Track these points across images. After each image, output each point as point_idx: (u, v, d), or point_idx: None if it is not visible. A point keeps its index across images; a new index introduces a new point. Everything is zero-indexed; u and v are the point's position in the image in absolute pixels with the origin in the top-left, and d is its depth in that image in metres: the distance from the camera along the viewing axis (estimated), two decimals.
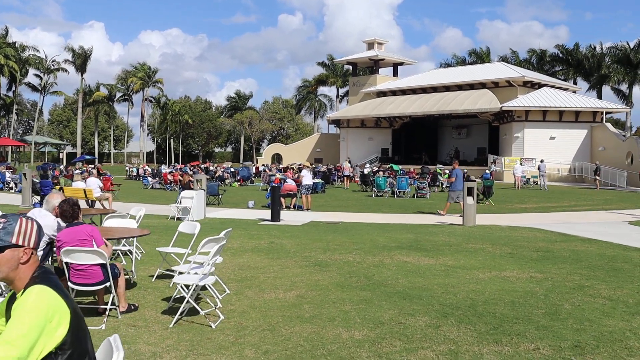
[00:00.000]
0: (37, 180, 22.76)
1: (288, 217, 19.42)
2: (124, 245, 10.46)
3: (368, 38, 63.65)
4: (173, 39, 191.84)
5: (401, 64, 64.97)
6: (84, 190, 20.68)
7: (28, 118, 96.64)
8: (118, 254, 10.71)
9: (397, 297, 8.09)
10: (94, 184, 20.85)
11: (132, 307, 7.21)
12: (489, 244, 13.38)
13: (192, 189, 20.48)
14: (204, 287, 7.20)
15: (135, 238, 9.36)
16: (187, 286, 6.80)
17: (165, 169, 41.87)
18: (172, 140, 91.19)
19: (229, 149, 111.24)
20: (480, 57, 73.63)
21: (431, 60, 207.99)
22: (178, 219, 18.53)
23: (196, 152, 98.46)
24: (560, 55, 69.76)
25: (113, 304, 6.87)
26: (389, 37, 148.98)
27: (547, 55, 71.53)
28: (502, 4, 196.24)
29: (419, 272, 9.87)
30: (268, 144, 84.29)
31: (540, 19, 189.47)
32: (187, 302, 6.73)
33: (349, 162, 47.27)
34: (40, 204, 22.18)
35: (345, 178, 39.80)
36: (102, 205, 21.21)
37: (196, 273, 7.02)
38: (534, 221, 18.79)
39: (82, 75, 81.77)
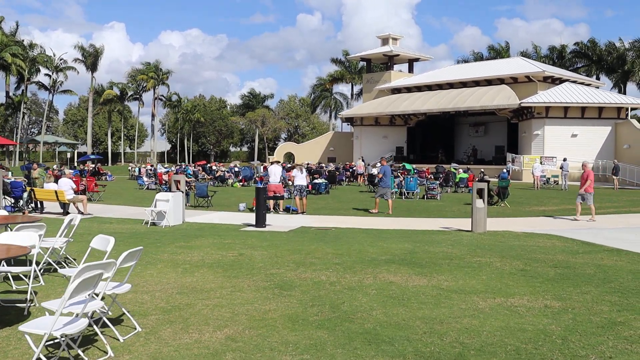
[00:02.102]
0: (7, 181, 20.95)
1: (278, 221, 17.42)
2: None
3: (382, 34, 61.27)
4: (193, 39, 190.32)
5: (417, 59, 62.59)
6: (56, 192, 18.86)
7: (43, 118, 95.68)
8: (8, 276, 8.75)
9: (360, 340, 6.01)
10: (65, 185, 18.99)
11: None
12: (497, 256, 11.23)
13: (178, 190, 18.52)
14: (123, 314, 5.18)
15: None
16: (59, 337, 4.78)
17: (160, 168, 39.91)
18: (186, 139, 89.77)
19: (244, 148, 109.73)
20: (499, 53, 71.09)
21: (449, 59, 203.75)
22: (153, 224, 16.64)
23: (210, 151, 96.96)
24: (581, 52, 67.23)
25: None
26: (408, 35, 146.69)
27: (567, 51, 68.99)
28: (521, 2, 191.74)
29: (403, 299, 7.78)
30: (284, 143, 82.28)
31: (560, 16, 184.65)
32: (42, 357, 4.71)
33: (363, 160, 45.41)
34: (12, 207, 20.42)
35: (359, 176, 39.73)
36: (77, 208, 19.40)
37: (70, 312, 5.00)
38: (552, 226, 16.61)
39: (92, 74, 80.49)
